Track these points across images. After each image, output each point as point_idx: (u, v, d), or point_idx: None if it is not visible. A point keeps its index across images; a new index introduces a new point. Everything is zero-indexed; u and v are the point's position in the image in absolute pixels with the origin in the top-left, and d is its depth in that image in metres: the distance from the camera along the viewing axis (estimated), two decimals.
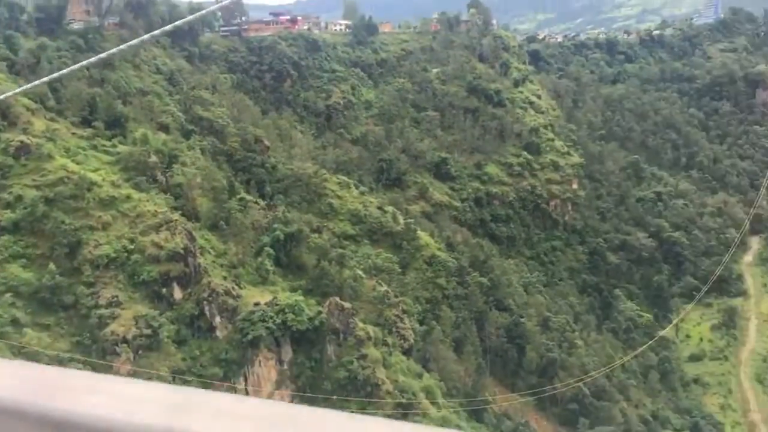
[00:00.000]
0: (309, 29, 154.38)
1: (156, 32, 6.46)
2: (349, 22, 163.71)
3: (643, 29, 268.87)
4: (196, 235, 72.24)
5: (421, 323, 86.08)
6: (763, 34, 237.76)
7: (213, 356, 66.10)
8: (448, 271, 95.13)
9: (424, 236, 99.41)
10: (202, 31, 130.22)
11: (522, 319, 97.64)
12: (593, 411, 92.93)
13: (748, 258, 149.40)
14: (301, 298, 72.40)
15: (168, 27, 7.08)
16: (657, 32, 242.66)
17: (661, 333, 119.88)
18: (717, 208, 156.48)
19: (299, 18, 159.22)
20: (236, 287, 70.99)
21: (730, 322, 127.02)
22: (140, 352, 61.52)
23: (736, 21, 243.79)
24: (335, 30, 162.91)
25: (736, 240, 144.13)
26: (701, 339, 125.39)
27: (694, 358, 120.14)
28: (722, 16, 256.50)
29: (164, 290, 66.86)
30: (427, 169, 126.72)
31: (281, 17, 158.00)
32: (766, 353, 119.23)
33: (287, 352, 69.50)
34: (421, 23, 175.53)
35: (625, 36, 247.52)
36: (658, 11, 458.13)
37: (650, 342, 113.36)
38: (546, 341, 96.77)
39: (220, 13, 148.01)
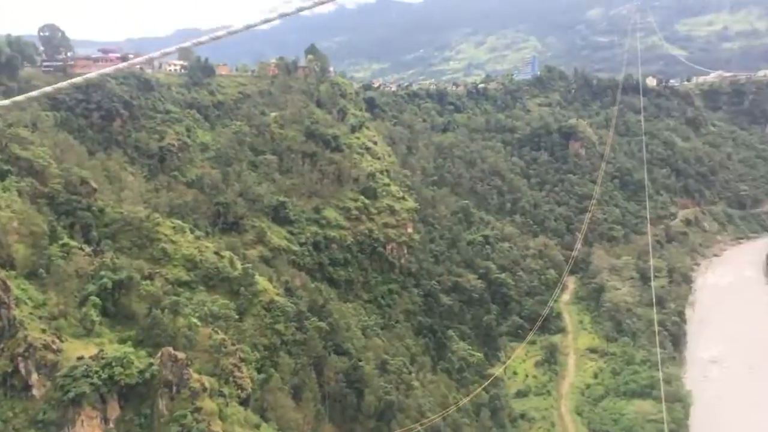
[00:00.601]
0: (141, 68, 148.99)
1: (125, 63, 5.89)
2: (184, 63, 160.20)
3: (470, 82, 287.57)
4: (10, 285, 66.16)
5: (259, 371, 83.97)
6: (573, 90, 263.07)
7: (28, 418, 60.29)
8: (287, 316, 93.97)
9: (262, 281, 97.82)
10: (21, 65, 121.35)
11: (360, 363, 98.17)
12: None
13: (566, 297, 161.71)
14: (131, 349, 68.29)
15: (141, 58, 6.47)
16: (482, 85, 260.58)
17: (496, 373, 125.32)
18: (538, 251, 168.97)
19: (130, 56, 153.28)
20: (57, 340, 65.58)
21: (551, 358, 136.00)
22: None
23: (551, 78, 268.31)
24: (170, 70, 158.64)
25: (561, 280, 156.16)
26: (526, 375, 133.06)
27: (521, 394, 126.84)
28: (539, 73, 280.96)
29: None
30: (265, 213, 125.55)
31: (111, 54, 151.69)
32: (583, 386, 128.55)
33: (114, 409, 64.84)
34: (259, 67, 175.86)
35: (454, 88, 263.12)
36: (483, 66, 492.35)
37: (486, 383, 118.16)
38: (384, 384, 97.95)
39: (42, 47, 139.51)
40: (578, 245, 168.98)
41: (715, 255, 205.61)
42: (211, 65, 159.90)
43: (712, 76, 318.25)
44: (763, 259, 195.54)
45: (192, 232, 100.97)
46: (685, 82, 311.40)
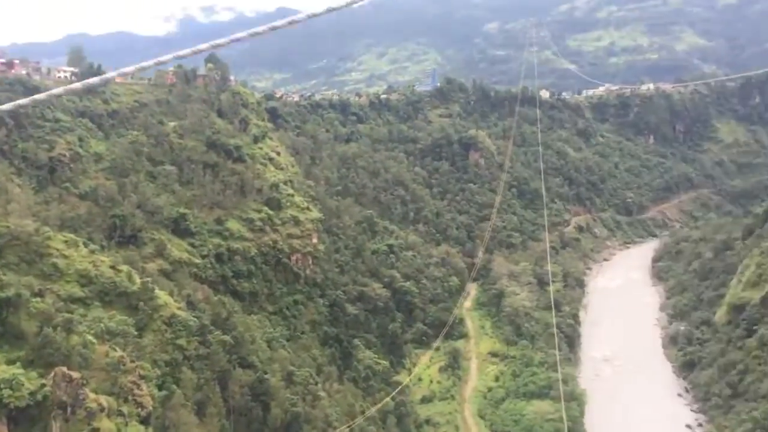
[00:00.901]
0: (28, 74, 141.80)
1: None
2: (75, 70, 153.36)
3: (372, 93, 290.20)
4: None
5: (160, 388, 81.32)
6: (473, 102, 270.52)
7: None
8: (189, 330, 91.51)
9: (162, 295, 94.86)
10: None
11: (266, 376, 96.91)
12: None
13: (468, 303, 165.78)
14: (21, 370, 64.71)
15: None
16: (384, 96, 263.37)
17: (405, 383, 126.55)
18: (441, 259, 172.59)
19: (16, 62, 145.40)
20: None
21: (454, 363, 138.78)
22: None
23: (451, 90, 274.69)
24: (59, 77, 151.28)
25: (464, 288, 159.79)
26: (431, 381, 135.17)
27: (426, 400, 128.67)
28: (439, 85, 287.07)
29: None
30: (165, 225, 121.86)
31: None
32: (485, 389, 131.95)
33: None
34: (156, 75, 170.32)
35: (357, 98, 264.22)
36: (384, 77, 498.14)
37: (394, 392, 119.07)
38: (290, 396, 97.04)
39: None
40: (481, 253, 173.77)
41: (605, 259, 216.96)
42: (104, 72, 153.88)
43: (601, 90, 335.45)
44: (648, 262, 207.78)
45: (86, 245, 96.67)
46: (576, 95, 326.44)
